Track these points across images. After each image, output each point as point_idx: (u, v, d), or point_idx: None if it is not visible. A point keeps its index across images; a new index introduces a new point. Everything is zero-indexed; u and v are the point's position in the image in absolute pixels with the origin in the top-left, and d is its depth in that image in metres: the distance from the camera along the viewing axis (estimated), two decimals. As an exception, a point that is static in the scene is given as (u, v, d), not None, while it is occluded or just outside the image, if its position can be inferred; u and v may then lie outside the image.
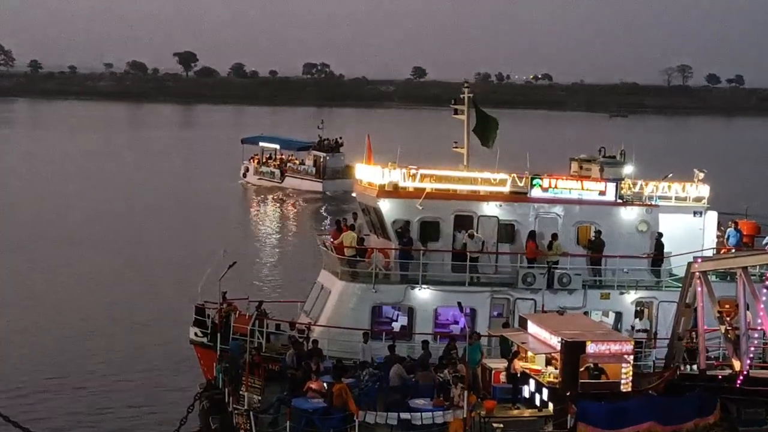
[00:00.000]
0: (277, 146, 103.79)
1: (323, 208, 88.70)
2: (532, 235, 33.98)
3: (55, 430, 33.68)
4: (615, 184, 34.95)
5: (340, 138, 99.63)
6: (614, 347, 27.30)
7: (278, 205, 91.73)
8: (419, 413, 26.97)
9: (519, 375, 28.86)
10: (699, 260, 30.47)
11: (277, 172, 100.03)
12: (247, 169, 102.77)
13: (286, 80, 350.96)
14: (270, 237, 74.54)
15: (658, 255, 34.59)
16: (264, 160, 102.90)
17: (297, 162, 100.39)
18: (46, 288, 53.69)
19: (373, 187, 34.40)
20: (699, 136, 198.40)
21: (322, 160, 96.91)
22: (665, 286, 34.48)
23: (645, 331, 33.37)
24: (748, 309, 30.14)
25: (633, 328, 33.26)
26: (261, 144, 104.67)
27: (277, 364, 31.05)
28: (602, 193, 34.79)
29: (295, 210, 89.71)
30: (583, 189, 34.71)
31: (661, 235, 34.69)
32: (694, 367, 30.37)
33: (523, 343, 29.04)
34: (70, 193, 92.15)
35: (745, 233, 36.97)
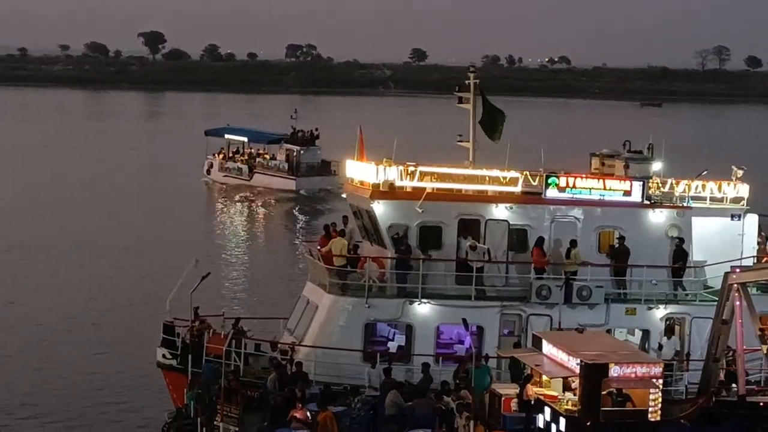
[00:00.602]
0: (245, 139, 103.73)
1: (296, 209, 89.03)
2: (539, 241, 33.95)
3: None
4: (641, 183, 34.96)
5: (316, 129, 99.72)
6: (641, 370, 27.25)
7: (247, 206, 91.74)
8: (419, 446, 26.94)
9: (533, 402, 28.82)
10: (737, 270, 30.47)
11: (245, 168, 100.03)
12: (212, 165, 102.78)
13: (266, 64, 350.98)
14: (247, 244, 74.47)
15: (680, 264, 34.46)
16: (230, 155, 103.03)
17: (267, 157, 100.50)
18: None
19: (366, 187, 34.37)
20: (737, 127, 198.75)
21: (295, 154, 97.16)
22: (699, 300, 34.49)
23: (676, 351, 33.37)
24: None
25: (660, 347, 33.26)
26: (227, 136, 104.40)
27: (256, 390, 30.97)
28: (627, 193, 34.80)
29: (266, 211, 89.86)
30: (605, 189, 34.71)
31: (682, 241, 34.62)
32: (733, 392, 30.38)
33: (537, 365, 28.99)
34: (19, 192, 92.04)
35: (790, 239, 37.00)
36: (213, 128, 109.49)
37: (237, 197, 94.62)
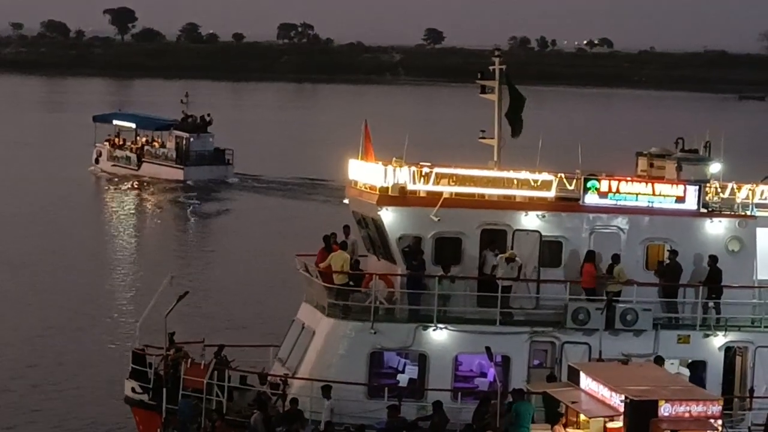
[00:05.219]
0: (133, 125, 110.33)
1: (180, 199, 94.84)
2: (590, 256, 33.99)
3: None
4: (697, 187, 35.00)
5: (208, 115, 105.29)
6: (697, 409, 27.27)
7: (135, 197, 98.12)
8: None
9: (568, 446, 28.85)
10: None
11: (134, 157, 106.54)
12: (100, 154, 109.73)
13: (255, 46, 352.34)
14: (220, 254, 74.32)
15: (714, 284, 34.32)
16: (120, 143, 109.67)
17: (157, 145, 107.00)
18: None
19: (373, 191, 34.46)
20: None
21: (184, 142, 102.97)
22: (764, 326, 34.50)
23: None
24: None
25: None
26: (115, 122, 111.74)
27: (243, 431, 30.92)
28: (680, 199, 34.86)
29: (153, 202, 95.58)
30: (654, 194, 34.79)
31: (716, 259, 34.51)
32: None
33: (573, 402, 29.01)
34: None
35: None
36: (101, 113, 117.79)
37: (123, 188, 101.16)
